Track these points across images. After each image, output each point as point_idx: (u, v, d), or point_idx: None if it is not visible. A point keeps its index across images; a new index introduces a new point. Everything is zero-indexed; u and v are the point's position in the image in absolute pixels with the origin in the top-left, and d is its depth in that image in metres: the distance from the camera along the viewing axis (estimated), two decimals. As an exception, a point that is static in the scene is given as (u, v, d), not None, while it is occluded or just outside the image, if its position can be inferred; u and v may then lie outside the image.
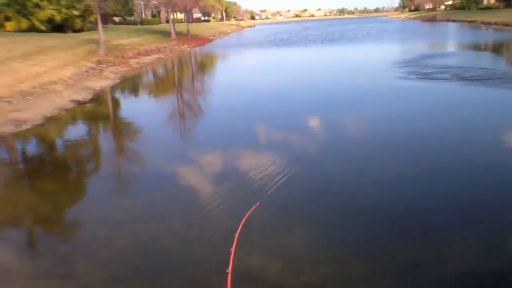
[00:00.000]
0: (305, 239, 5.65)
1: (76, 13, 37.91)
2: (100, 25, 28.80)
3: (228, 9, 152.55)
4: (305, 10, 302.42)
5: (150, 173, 8.56)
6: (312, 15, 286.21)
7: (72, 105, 15.19)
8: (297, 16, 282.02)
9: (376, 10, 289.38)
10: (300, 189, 7.18)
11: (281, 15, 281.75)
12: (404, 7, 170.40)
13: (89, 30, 39.52)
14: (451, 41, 39.90)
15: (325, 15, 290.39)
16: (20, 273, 5.30)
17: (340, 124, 11.57)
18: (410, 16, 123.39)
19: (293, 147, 9.62)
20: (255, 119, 12.57)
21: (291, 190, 7.09)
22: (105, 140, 12.07)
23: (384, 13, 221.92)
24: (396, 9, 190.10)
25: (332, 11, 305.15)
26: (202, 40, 53.23)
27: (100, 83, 19.83)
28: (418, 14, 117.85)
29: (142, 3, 79.55)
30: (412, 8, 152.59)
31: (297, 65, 27.17)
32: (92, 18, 39.13)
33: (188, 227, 6.10)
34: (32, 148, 11.21)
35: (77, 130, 12.85)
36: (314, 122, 11.87)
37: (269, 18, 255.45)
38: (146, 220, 6.42)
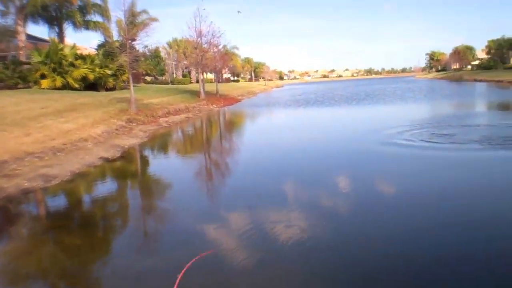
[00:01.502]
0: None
1: (109, 72, 39.46)
2: (131, 85, 29.91)
3: (257, 69, 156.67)
4: (333, 70, 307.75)
5: (174, 231, 8.62)
6: (340, 76, 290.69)
7: (100, 162, 15.52)
8: (324, 76, 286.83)
9: (403, 70, 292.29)
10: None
11: (309, 76, 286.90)
12: (431, 67, 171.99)
13: (121, 88, 40.99)
14: (478, 100, 39.77)
15: (353, 75, 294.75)
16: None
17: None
18: (436, 76, 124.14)
19: (314, 205, 9.55)
20: (279, 177, 12.62)
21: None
22: (131, 197, 12.23)
23: (411, 74, 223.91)
24: (423, 69, 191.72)
25: (359, 71, 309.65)
26: (231, 100, 54.37)
27: (129, 141, 20.28)
28: (445, 74, 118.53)
29: (174, 63, 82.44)
30: (439, 68, 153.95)
31: (317, 124, 27.55)
32: (124, 77, 40.69)
33: None
34: (59, 203, 11.41)
35: (104, 187, 13.06)
36: (336, 181, 11.83)
37: (297, 78, 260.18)
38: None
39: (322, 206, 9.56)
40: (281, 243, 7.42)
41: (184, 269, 5.49)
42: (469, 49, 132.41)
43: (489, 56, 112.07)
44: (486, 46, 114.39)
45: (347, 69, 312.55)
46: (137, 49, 34.21)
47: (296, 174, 13.04)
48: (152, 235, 8.67)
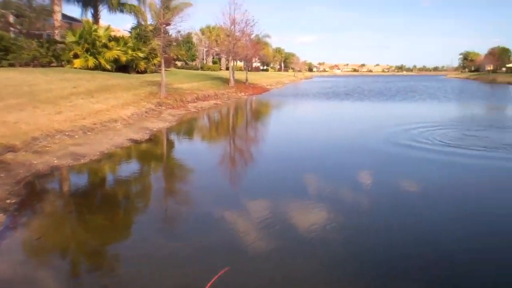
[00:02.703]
0: None
1: (141, 55, 39.76)
2: (163, 68, 30.09)
3: (287, 60, 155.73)
4: (363, 65, 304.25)
5: (195, 213, 8.68)
6: (370, 71, 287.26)
7: (129, 143, 15.70)
8: (354, 70, 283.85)
9: (435, 68, 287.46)
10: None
11: (338, 69, 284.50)
12: (464, 67, 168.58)
13: (152, 72, 41.29)
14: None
15: (383, 71, 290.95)
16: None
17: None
18: (469, 77, 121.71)
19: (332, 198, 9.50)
20: (300, 168, 12.58)
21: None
22: (156, 180, 12.32)
23: (443, 73, 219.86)
24: (456, 69, 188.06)
25: (390, 67, 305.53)
26: (259, 89, 54.26)
27: (157, 124, 20.46)
28: (478, 75, 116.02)
29: (205, 49, 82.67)
30: (472, 68, 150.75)
31: (340, 118, 27.42)
32: (155, 61, 40.99)
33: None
34: (86, 181, 11.57)
35: (131, 167, 13.22)
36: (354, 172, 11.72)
37: (327, 71, 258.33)
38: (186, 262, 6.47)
39: (327, 196, 9.56)
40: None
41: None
42: (505, 51, 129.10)
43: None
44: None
45: (377, 64, 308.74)
46: (170, 33, 34.30)
47: (303, 166, 13.02)
48: (172, 218, 8.74)
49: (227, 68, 61.96)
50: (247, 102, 39.29)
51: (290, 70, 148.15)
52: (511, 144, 16.18)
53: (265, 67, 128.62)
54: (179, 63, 69.19)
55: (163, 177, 12.78)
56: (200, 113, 28.12)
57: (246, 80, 55.72)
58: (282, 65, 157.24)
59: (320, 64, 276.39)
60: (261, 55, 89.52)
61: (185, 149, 17.11)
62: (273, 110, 35.03)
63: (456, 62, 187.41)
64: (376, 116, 28.68)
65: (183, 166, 13.80)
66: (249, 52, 57.59)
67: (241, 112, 33.16)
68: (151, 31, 36.66)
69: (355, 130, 21.16)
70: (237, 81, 50.71)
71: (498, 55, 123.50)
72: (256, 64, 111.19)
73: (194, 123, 24.75)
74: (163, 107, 25.79)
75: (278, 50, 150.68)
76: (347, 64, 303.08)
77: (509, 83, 79.63)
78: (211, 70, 71.57)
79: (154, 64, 41.67)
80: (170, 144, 17.88)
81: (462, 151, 14.70)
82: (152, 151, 15.92)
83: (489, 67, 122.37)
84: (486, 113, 30.20)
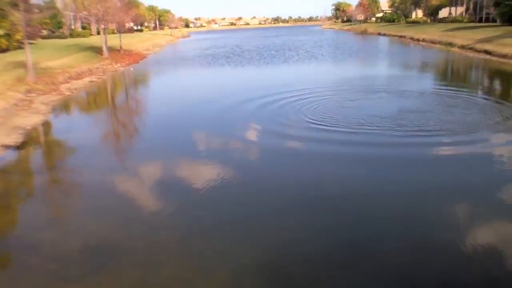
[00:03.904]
0: None
1: (0, 32, 36.15)
2: (27, 48, 27.23)
3: (161, 18, 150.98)
4: (240, 18, 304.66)
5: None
6: (247, 23, 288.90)
7: (2, 152, 14.31)
8: (232, 24, 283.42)
9: (310, 19, 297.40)
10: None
11: (216, 23, 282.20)
12: (337, 17, 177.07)
13: (16, 49, 37.76)
14: (388, 62, 41.68)
15: (260, 23, 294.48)
16: None
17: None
18: (343, 28, 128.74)
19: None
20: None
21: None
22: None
23: (318, 23, 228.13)
24: (329, 19, 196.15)
25: (267, 19, 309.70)
26: (136, 56, 52.20)
27: (31, 119, 18.76)
28: (350, 26, 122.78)
29: (72, 14, 77.13)
30: (345, 19, 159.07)
31: (219, 90, 26.53)
32: (18, 36, 37.42)
33: None
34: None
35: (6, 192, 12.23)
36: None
37: (204, 26, 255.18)
38: None
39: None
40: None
41: None
42: (374, 2, 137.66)
43: (392, 9, 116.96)
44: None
45: (254, 17, 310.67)
46: (30, 2, 31.26)
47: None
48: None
49: (99, 32, 58.55)
50: (125, 76, 37.66)
51: (166, 28, 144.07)
52: (388, 116, 16.44)
53: (139, 27, 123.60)
54: (44, 32, 63.91)
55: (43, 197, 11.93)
56: (76, 95, 26.54)
57: (121, 47, 53.17)
58: (157, 23, 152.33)
59: (196, 19, 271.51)
60: (133, 15, 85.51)
61: (66, 150, 15.66)
62: (152, 85, 34.12)
63: (329, 12, 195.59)
64: (250, 85, 28.48)
65: (65, 180, 12.94)
66: (121, 15, 54.57)
67: (120, 90, 31.88)
68: (7, 3, 33.25)
69: (218, 107, 20.49)
70: (111, 49, 48.24)
71: (368, 5, 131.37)
72: (129, 25, 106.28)
73: (71, 111, 23.33)
74: (33, 94, 23.94)
75: (152, 8, 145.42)
76: (224, 18, 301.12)
77: (379, 34, 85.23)
78: (81, 37, 67.33)
79: (17, 40, 38.02)
80: (49, 147, 16.28)
81: (334, 136, 14.66)
82: (30, 160, 14.67)
83: (360, 17, 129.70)
84: (361, 74, 31.52)
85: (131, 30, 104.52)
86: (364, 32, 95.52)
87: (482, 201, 9.54)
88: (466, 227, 8.36)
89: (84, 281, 6.93)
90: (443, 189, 10.11)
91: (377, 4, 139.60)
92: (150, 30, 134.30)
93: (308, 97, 20.87)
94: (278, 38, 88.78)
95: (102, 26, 49.17)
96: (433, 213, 8.98)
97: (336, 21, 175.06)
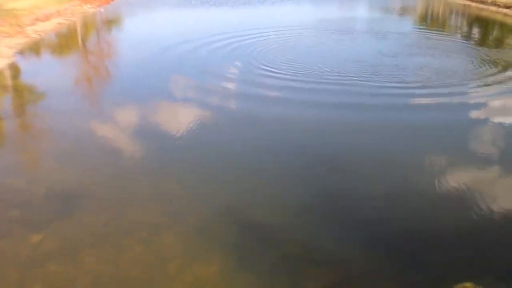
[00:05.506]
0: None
1: (-40, -29, 34.15)
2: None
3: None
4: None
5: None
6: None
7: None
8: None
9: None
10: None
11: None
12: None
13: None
14: None
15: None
16: None
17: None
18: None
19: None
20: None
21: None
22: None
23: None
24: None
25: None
26: (107, -3, 50.10)
27: (-4, 63, 18.13)
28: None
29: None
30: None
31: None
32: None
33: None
34: None
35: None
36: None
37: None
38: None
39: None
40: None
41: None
42: None
43: None
44: None
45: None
46: None
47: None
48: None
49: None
50: (95, 18, 36.31)
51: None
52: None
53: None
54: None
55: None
56: (43, 38, 25.53)
57: (91, -14, 50.94)
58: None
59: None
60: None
61: (34, 96, 15.18)
62: (124, 27, 33.05)
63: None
64: (220, 26, 27.27)
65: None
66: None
67: (89, 33, 30.80)
68: None
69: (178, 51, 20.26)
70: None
71: None
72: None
73: (39, 53, 22.53)
74: (-3, 37, 22.96)
75: None
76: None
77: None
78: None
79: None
80: (18, 93, 15.87)
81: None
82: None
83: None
84: (339, 16, 31.08)
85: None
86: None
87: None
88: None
89: (48, 228, 6.85)
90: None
91: None
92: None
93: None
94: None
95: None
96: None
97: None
